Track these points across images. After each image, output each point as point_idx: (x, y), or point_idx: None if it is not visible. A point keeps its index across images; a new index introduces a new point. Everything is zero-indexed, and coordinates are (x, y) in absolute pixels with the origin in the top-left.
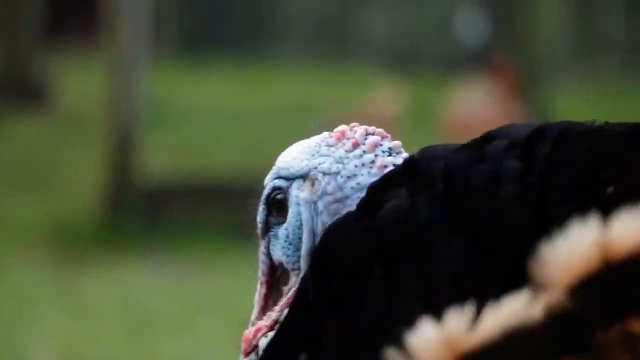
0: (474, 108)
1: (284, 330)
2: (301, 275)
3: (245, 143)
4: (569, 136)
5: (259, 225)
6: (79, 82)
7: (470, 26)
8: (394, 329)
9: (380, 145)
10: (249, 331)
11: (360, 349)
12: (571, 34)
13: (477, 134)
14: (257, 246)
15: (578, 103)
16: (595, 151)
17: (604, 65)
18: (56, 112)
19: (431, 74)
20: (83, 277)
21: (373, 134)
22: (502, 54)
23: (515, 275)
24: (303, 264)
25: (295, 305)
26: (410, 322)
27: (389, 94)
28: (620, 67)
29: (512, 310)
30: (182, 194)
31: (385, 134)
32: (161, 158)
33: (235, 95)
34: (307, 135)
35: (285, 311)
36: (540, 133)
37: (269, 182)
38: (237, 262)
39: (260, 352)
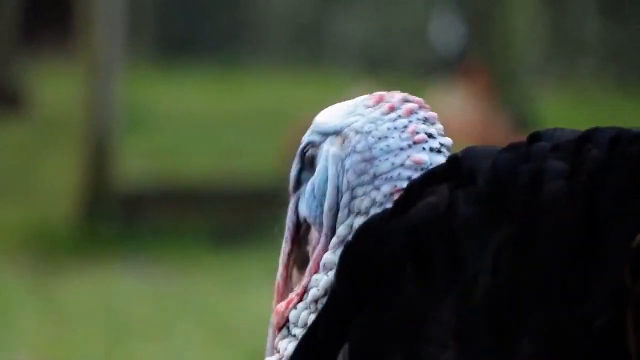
0: (449, 113)
1: (318, 325)
2: (324, 232)
3: (221, 148)
4: (621, 139)
5: (291, 180)
6: (55, 87)
7: (446, 31)
8: (423, 329)
9: (416, 113)
10: (281, 305)
11: (385, 348)
12: (545, 38)
13: (452, 138)
14: (285, 207)
15: (553, 107)
16: None
17: (578, 69)
18: (33, 118)
19: (407, 78)
20: (60, 282)
21: (411, 102)
22: (477, 58)
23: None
24: (325, 220)
25: (329, 299)
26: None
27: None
28: (595, 71)
29: None
30: (159, 199)
31: (423, 103)
32: (138, 163)
33: (212, 100)
34: (283, 139)
35: (314, 277)
36: (587, 137)
37: (306, 137)
38: (214, 266)
39: (291, 326)
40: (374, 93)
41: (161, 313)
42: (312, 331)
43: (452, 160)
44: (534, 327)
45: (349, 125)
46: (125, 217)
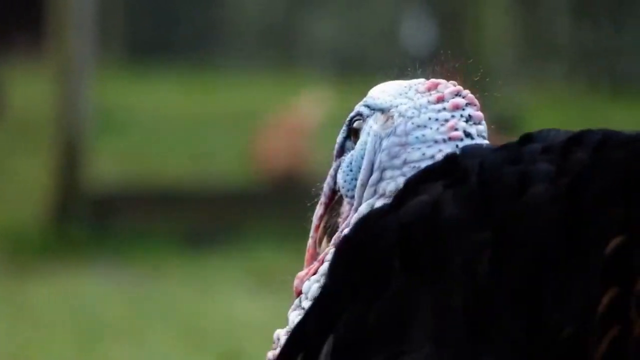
0: None
1: (309, 315)
2: (354, 206)
3: (192, 150)
4: (607, 144)
5: (336, 147)
6: (27, 90)
7: (417, 32)
8: (404, 328)
9: (462, 109)
10: (304, 272)
11: (367, 346)
12: (518, 40)
13: None
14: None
15: (525, 109)
16: (629, 158)
17: (551, 71)
18: (4, 120)
19: (377, 80)
20: (30, 285)
21: (462, 97)
22: (450, 59)
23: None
24: (357, 195)
25: (321, 289)
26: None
27: (316, 101)
28: (568, 72)
29: None
30: (130, 201)
31: (474, 101)
32: (109, 165)
33: (183, 102)
34: (254, 141)
35: (331, 250)
36: (577, 140)
37: (357, 107)
38: (186, 269)
39: (302, 297)
40: (432, 79)
41: (132, 315)
42: (304, 320)
43: (450, 158)
44: (507, 333)
45: (396, 107)
46: (96, 219)
